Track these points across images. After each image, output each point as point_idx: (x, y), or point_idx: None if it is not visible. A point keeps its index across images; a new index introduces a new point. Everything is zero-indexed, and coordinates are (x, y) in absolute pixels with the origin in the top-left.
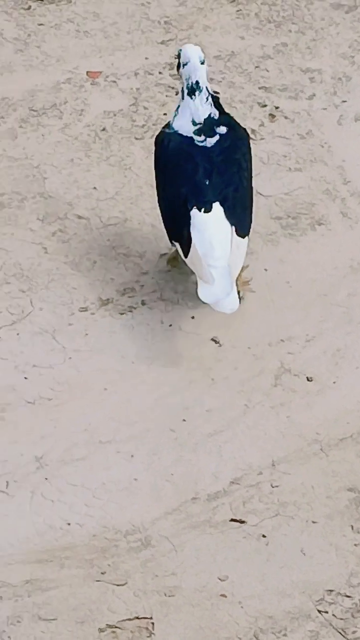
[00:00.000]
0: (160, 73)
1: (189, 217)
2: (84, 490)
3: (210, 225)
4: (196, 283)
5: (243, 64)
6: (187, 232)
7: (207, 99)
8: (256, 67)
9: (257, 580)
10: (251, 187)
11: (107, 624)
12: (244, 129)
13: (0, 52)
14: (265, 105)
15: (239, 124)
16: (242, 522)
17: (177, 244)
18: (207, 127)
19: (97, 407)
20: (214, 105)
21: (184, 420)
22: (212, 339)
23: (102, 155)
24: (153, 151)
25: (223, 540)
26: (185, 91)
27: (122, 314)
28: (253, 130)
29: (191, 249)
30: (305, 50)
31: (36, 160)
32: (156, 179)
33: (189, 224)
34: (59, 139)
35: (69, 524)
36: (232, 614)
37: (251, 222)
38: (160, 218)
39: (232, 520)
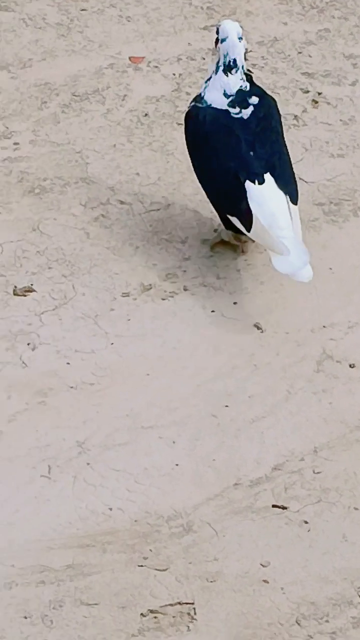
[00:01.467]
0: (202, 59)
1: (245, 191)
2: (126, 475)
3: (267, 196)
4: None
5: (286, 49)
6: (246, 205)
7: (241, 76)
8: (299, 53)
9: (299, 566)
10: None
11: (149, 609)
12: (271, 96)
13: (43, 37)
14: (307, 91)
15: (265, 92)
16: (284, 508)
17: (234, 219)
18: (240, 98)
19: (139, 392)
20: (246, 78)
21: (226, 406)
22: (255, 325)
23: (144, 141)
24: (185, 126)
25: (265, 526)
26: (221, 67)
27: (164, 299)
28: (295, 116)
29: (254, 222)
30: (349, 37)
31: (79, 146)
32: (195, 155)
33: (246, 198)
34: (101, 124)
35: (111, 509)
36: (274, 600)
37: (297, 189)
38: (206, 200)
39: (274, 506)
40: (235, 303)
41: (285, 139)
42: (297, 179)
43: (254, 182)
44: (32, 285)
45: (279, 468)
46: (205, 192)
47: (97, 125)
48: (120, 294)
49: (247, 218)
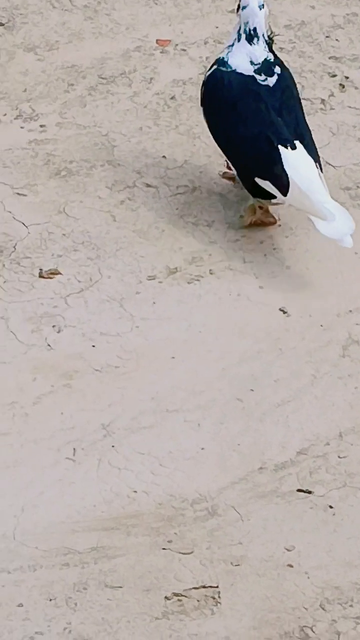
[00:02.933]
0: None
1: (279, 154)
2: (150, 458)
3: (301, 162)
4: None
5: (313, 33)
6: (282, 169)
7: (264, 45)
8: (326, 36)
9: (323, 550)
10: None
11: (173, 592)
12: (289, 70)
13: (70, 20)
14: (335, 75)
15: (284, 64)
16: (309, 492)
17: (266, 183)
18: (266, 67)
19: (165, 375)
20: (269, 49)
21: (251, 390)
22: (280, 309)
23: (171, 124)
24: (205, 90)
25: (290, 510)
26: (243, 35)
27: (189, 283)
28: (322, 100)
29: (291, 187)
30: None
31: (105, 128)
32: (218, 120)
33: (281, 161)
34: (128, 107)
35: (135, 492)
36: (299, 584)
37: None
38: (232, 185)
39: (299, 490)
40: (261, 287)
41: (312, 123)
42: (323, 163)
43: (286, 147)
44: (57, 267)
45: (304, 452)
46: (229, 156)
47: (123, 108)
48: (146, 277)
49: (283, 182)
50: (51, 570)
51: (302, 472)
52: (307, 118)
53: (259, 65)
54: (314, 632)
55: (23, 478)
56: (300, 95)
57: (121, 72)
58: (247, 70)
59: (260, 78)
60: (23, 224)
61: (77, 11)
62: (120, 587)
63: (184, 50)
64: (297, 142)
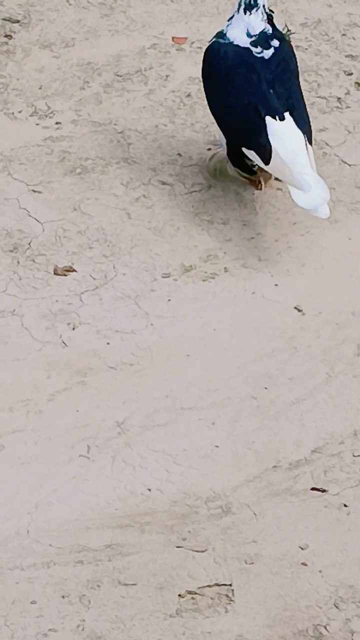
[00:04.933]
0: None
1: (265, 124)
2: (164, 456)
3: (288, 133)
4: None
5: (329, 31)
6: (266, 139)
7: (262, 16)
8: (343, 35)
9: (338, 549)
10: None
11: (187, 590)
12: (290, 43)
13: (86, 17)
14: (351, 74)
15: (284, 36)
16: (323, 491)
17: (251, 152)
18: (262, 39)
19: (179, 373)
20: (268, 21)
21: (266, 388)
22: (295, 307)
23: (186, 122)
24: (204, 60)
25: (304, 508)
26: (242, 5)
27: (204, 280)
28: (339, 99)
29: (274, 157)
30: None
31: (120, 126)
32: (214, 89)
33: (266, 131)
34: (143, 104)
35: (149, 490)
36: (313, 583)
37: (312, 131)
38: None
39: (313, 489)
40: (276, 285)
41: (328, 122)
42: (339, 161)
43: (274, 118)
44: (72, 265)
45: (319, 451)
46: (220, 126)
47: (139, 106)
48: (161, 274)
49: (266, 151)
50: (65, 568)
51: (317, 470)
52: (322, 116)
53: (255, 38)
54: (327, 630)
55: (37, 475)
56: (298, 69)
57: (137, 69)
58: (244, 42)
59: (256, 50)
60: (38, 221)
61: (93, 8)
62: (134, 584)
63: (200, 47)
64: (286, 114)
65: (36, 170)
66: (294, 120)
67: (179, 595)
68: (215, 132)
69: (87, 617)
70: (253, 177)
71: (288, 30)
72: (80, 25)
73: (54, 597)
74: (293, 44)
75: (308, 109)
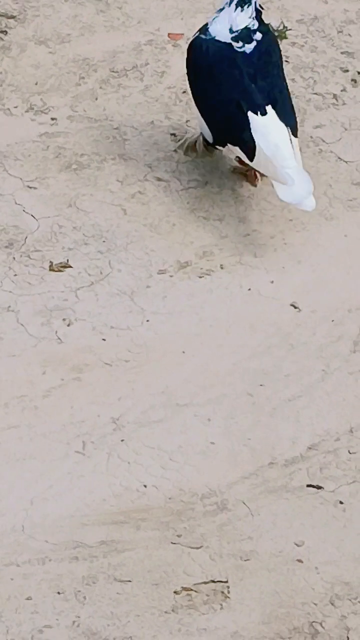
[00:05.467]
0: None
1: (248, 121)
2: (160, 452)
3: (271, 127)
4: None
5: (326, 28)
6: (249, 135)
7: (251, 13)
8: (339, 31)
9: (333, 546)
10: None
11: (182, 587)
12: (274, 34)
13: (82, 13)
14: (347, 71)
15: (270, 29)
16: (319, 488)
17: (236, 148)
18: (244, 34)
19: (175, 370)
20: (256, 17)
21: (261, 385)
22: (291, 304)
23: (182, 118)
24: (187, 56)
25: (300, 505)
26: (235, 1)
27: (200, 277)
28: (335, 95)
29: (257, 153)
30: None
31: (116, 122)
32: (197, 85)
33: (249, 127)
34: (139, 100)
35: (145, 486)
36: (308, 580)
37: (297, 122)
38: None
39: (309, 485)
40: (272, 282)
41: (324, 119)
42: (335, 158)
43: (256, 113)
44: (68, 261)
45: (314, 448)
46: (206, 122)
47: (135, 102)
48: (157, 271)
49: (249, 148)
50: (60, 564)
51: (312, 467)
52: (319, 113)
53: (237, 33)
54: (323, 627)
55: (32, 471)
56: (282, 60)
57: (133, 65)
58: (225, 37)
59: (237, 45)
60: (33, 217)
61: (88, 4)
62: (130, 581)
63: None
64: (268, 107)
65: (32, 166)
66: (277, 113)
67: (175, 591)
68: (198, 124)
69: (83, 614)
70: (247, 172)
71: (284, 27)
72: (76, 21)
73: (49, 594)
74: (289, 40)
75: (304, 106)
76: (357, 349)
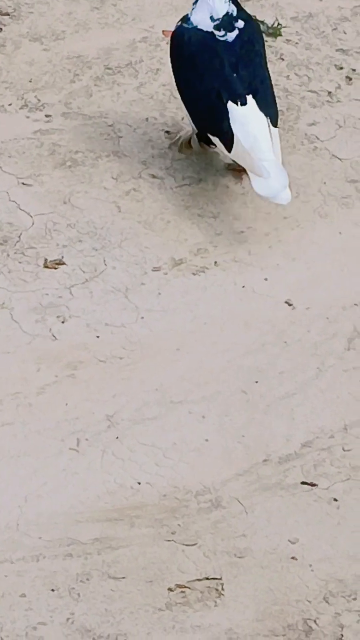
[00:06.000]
0: None
1: (227, 111)
2: (154, 449)
3: (250, 118)
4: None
5: (320, 25)
6: (228, 125)
7: (227, 0)
8: (333, 29)
9: (327, 543)
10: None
11: (176, 584)
12: (256, 21)
13: (77, 10)
14: (342, 68)
15: (251, 17)
16: (313, 485)
17: (215, 139)
18: (226, 22)
19: (169, 367)
20: (232, 2)
21: (256, 382)
22: (286, 302)
23: (177, 115)
24: (170, 46)
25: (294, 503)
26: None
27: (195, 274)
28: (329, 93)
29: (235, 143)
30: None
31: (111, 119)
32: (179, 75)
33: (228, 118)
34: (134, 97)
35: (139, 483)
36: (302, 577)
37: (278, 112)
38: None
39: (303, 483)
40: (266, 279)
41: (319, 116)
42: (330, 155)
43: (236, 103)
44: (62, 258)
45: (309, 445)
46: (188, 111)
47: (129, 99)
48: (151, 268)
49: (228, 138)
50: (54, 561)
51: (307, 464)
52: (313, 110)
53: (218, 21)
54: (317, 624)
55: (27, 468)
56: (264, 48)
57: (127, 62)
58: (207, 26)
59: (219, 34)
60: (28, 214)
61: (83, 1)
62: (124, 578)
63: None
64: (249, 97)
65: (26, 163)
66: (257, 103)
67: (169, 588)
68: (184, 115)
69: (77, 611)
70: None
71: (279, 24)
72: (70, 18)
73: (44, 591)
74: (284, 37)
75: (299, 103)
76: (351, 346)
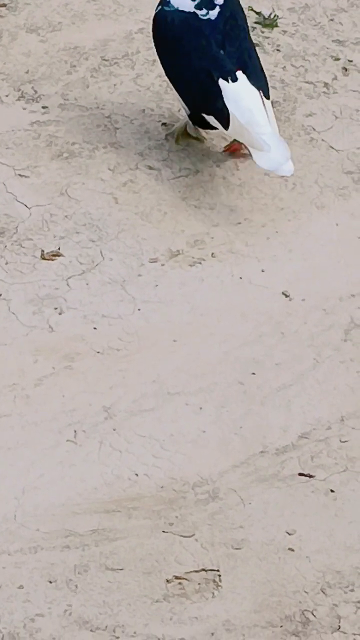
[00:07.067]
0: None
1: (219, 89)
2: (152, 441)
3: (242, 93)
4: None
5: (317, 16)
6: (222, 103)
7: None
8: (330, 20)
9: (325, 535)
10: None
11: (174, 575)
12: None
13: (73, 1)
14: (338, 59)
15: None
16: (310, 476)
17: (210, 117)
18: (206, 0)
19: (166, 358)
20: None
21: (253, 373)
22: (283, 293)
23: (173, 106)
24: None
25: (291, 494)
26: None
27: (191, 265)
28: (326, 84)
29: (231, 120)
30: None
31: (107, 110)
32: (166, 58)
33: (221, 96)
34: (130, 89)
35: (136, 475)
36: (300, 568)
37: (268, 83)
38: (235, 167)
39: (301, 474)
40: (263, 270)
41: (316, 107)
42: (327, 146)
43: (227, 81)
44: (59, 249)
45: (306, 436)
46: (180, 94)
47: (126, 90)
48: (148, 259)
49: (223, 116)
50: (52, 552)
51: (304, 456)
52: (310, 101)
53: (198, 0)
54: (314, 616)
55: (24, 460)
56: (247, 21)
57: (124, 54)
58: (188, 7)
59: (201, 13)
60: (25, 205)
61: None
62: (121, 569)
63: None
64: (239, 73)
65: (23, 154)
66: (248, 77)
67: (166, 580)
68: (176, 98)
69: (74, 602)
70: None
71: (275, 15)
72: (67, 9)
73: (41, 582)
74: (280, 28)
75: (295, 94)
76: (348, 337)
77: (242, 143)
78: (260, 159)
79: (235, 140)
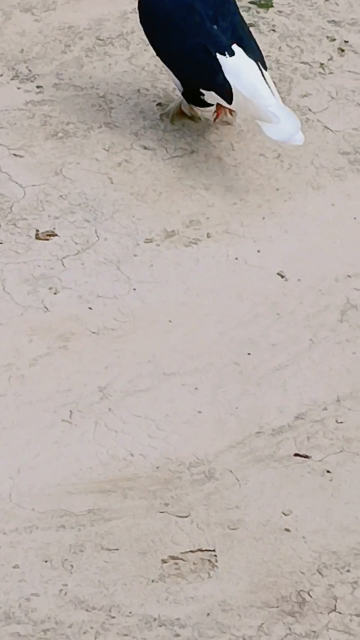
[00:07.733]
0: None
1: (219, 64)
2: (147, 421)
3: (242, 67)
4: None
5: None
6: (223, 78)
7: None
8: (326, 0)
9: (321, 515)
10: None
11: (169, 555)
12: None
13: None
14: (334, 39)
15: None
16: (306, 457)
17: (211, 93)
18: None
19: (162, 338)
20: None
21: (248, 354)
22: (278, 273)
23: (168, 86)
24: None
25: (287, 474)
26: None
27: (187, 246)
28: (322, 64)
29: (235, 95)
30: None
31: (102, 90)
32: (158, 37)
33: (221, 70)
34: (125, 68)
35: (132, 455)
36: (296, 549)
37: (263, 54)
38: (230, 146)
39: (297, 455)
40: (258, 251)
41: (311, 87)
42: (322, 127)
43: (225, 55)
44: (54, 229)
45: (302, 417)
46: (174, 73)
47: (121, 70)
48: (143, 239)
49: (226, 90)
50: (47, 532)
51: (300, 436)
52: (305, 82)
53: None
54: (310, 596)
55: (19, 440)
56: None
57: (119, 33)
58: None
59: None
60: (19, 185)
61: None
62: (117, 549)
63: None
64: (235, 47)
65: (17, 134)
66: (244, 50)
67: (162, 560)
68: (169, 77)
69: (70, 582)
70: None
71: None
72: None
73: (37, 562)
74: (276, 9)
75: (291, 75)
76: (344, 318)
77: (225, 108)
78: (270, 131)
79: (218, 105)
